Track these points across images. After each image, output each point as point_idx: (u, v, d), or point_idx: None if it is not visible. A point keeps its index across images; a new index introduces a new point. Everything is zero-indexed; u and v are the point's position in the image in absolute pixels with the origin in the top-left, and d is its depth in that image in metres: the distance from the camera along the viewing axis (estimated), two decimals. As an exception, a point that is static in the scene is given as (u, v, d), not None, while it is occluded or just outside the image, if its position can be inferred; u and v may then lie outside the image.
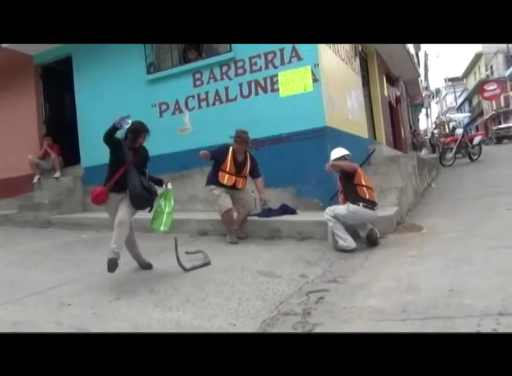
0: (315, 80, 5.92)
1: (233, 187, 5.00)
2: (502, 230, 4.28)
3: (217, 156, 5.01)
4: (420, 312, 2.64)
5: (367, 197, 4.37)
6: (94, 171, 6.97)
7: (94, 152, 6.99)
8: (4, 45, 7.70)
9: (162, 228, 3.85)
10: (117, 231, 3.60)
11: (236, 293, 3.26)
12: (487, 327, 2.32)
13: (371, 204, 4.37)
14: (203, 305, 3.06)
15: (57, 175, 7.88)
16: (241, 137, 4.95)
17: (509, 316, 2.46)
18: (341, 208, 4.40)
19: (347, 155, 4.58)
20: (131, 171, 3.70)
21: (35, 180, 8.06)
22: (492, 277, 3.06)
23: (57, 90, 8.61)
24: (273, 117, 6.11)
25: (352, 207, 4.33)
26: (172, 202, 3.93)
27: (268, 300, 3.11)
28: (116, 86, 7.28)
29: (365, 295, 3.07)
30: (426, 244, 4.25)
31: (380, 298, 3.01)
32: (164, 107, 6.97)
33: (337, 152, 4.61)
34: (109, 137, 3.66)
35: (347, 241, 4.31)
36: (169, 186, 4.02)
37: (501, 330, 2.30)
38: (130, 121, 3.57)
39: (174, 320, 2.82)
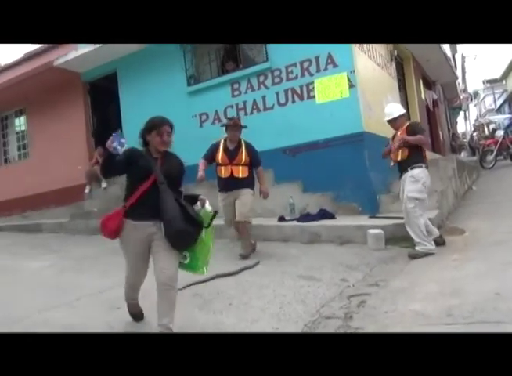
0: (351, 86, 5.94)
1: (232, 179, 4.60)
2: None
3: (211, 156, 4.72)
4: (466, 316, 2.60)
5: (427, 158, 4.41)
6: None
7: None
8: (56, 64, 8.24)
9: (206, 269, 2.82)
10: (165, 296, 2.59)
11: (278, 296, 3.31)
12: (535, 332, 2.28)
13: (427, 166, 4.36)
14: (245, 309, 3.13)
15: (104, 185, 8.26)
16: (234, 121, 4.70)
17: (558, 321, 2.40)
18: (414, 186, 4.12)
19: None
20: (166, 194, 2.57)
21: (87, 191, 8.49)
22: (541, 281, 2.98)
23: (104, 105, 9.08)
24: (310, 123, 6.17)
25: (417, 171, 4.17)
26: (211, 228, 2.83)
27: (309, 303, 3.15)
28: (158, 99, 7.58)
29: (407, 299, 3.06)
30: (469, 248, 4.16)
31: (423, 302, 2.98)
32: (203, 117, 7.20)
33: (397, 109, 4.49)
34: (108, 167, 2.70)
35: (433, 243, 4.14)
36: (207, 206, 2.82)
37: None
38: (124, 141, 2.55)
39: (218, 324, 2.89)
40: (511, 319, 2.46)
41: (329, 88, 6.12)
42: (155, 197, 2.57)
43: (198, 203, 2.82)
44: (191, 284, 3.68)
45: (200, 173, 4.52)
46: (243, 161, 4.61)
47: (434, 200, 5.18)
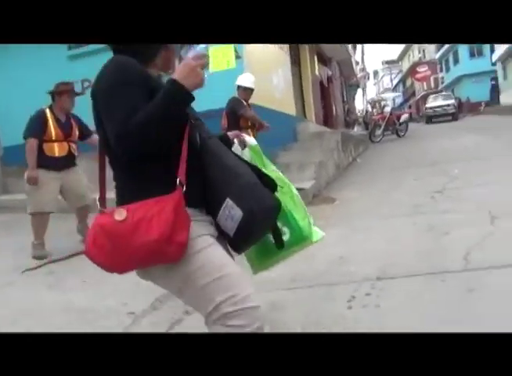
0: (237, 57, 5.92)
1: (69, 156, 3.85)
2: (406, 199, 4.58)
3: (35, 131, 3.70)
4: (308, 280, 2.81)
5: None
6: (14, 151, 6.80)
7: (14, 131, 6.77)
8: None
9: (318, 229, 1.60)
10: None
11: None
12: (362, 292, 2.52)
13: None
14: (99, 286, 2.95)
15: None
16: (72, 85, 4.07)
17: (384, 280, 2.68)
18: None
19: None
20: (219, 145, 1.33)
21: None
22: (381, 244, 3.30)
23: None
24: (198, 93, 6.04)
25: None
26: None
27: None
28: (36, 62, 6.92)
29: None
30: (334, 215, 4.44)
31: (274, 268, 3.11)
32: (86, 84, 6.73)
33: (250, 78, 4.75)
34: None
35: None
36: (249, 139, 1.61)
37: (374, 293, 2.49)
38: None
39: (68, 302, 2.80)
40: (345, 280, 2.72)
41: (217, 58, 6.02)
42: (198, 161, 1.26)
43: (235, 144, 1.55)
44: (47, 263, 3.52)
45: (33, 172, 3.59)
46: (77, 136, 3.91)
47: (312, 170, 5.42)
